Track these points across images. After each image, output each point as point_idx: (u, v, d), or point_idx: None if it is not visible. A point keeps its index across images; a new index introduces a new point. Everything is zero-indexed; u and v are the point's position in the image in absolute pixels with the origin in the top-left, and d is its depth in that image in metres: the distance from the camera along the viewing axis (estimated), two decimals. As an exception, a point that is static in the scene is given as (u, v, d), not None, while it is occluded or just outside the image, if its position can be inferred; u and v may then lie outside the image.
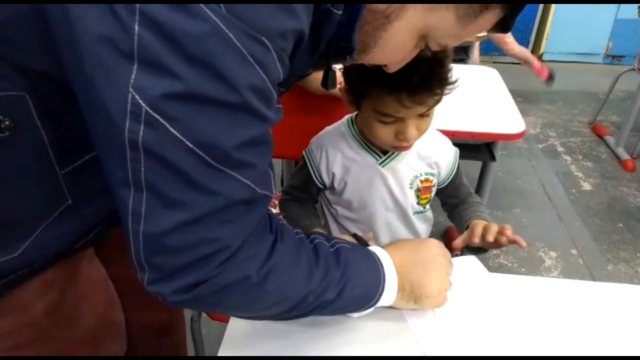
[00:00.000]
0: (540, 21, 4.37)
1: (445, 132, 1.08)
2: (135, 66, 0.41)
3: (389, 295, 0.71)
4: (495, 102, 1.77)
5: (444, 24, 0.54)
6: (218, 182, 0.47)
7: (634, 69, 2.93)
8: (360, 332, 0.75)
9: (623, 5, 4.11)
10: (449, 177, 1.05)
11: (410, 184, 1.02)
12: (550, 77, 3.02)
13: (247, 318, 0.69)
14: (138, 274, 0.52)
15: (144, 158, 0.44)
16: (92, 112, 0.46)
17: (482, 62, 3.20)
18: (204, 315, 1.18)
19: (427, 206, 1.08)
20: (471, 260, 0.92)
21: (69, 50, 0.43)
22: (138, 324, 0.93)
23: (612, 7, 4.18)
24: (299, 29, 0.47)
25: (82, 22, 0.41)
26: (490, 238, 0.89)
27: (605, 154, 3.01)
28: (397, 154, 1.00)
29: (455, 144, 1.07)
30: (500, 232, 0.90)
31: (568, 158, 2.96)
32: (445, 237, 2.07)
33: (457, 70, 0.86)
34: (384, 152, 1.00)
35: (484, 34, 0.59)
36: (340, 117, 1.06)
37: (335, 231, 1.10)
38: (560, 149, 3.07)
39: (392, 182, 1.01)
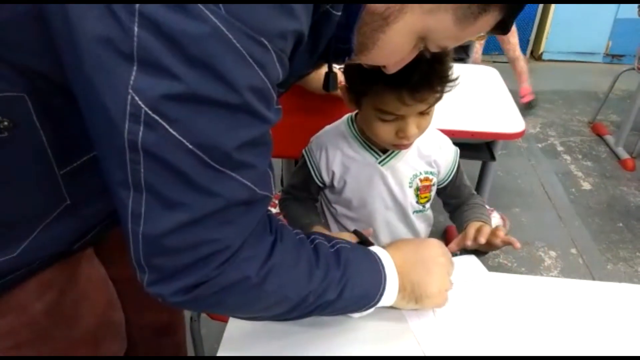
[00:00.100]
0: (540, 21, 4.37)
1: (445, 132, 1.08)
2: (135, 67, 0.41)
3: (390, 295, 0.71)
4: (495, 101, 1.76)
5: (442, 26, 0.54)
6: (218, 183, 0.47)
7: (633, 68, 2.93)
8: (361, 332, 0.75)
9: (623, 5, 4.11)
10: (449, 176, 1.05)
11: (410, 183, 1.02)
12: (530, 105, 3.12)
13: (247, 319, 0.69)
14: (138, 275, 0.52)
15: (144, 159, 0.44)
16: (91, 113, 0.46)
17: (483, 62, 3.21)
18: (203, 315, 1.18)
19: (427, 205, 1.08)
20: (471, 259, 0.92)
21: (69, 51, 0.43)
22: (138, 324, 0.93)
23: (611, 7, 4.18)
24: (299, 29, 0.47)
25: (82, 22, 0.41)
26: (482, 240, 0.89)
27: (605, 154, 3.01)
28: (397, 153, 1.00)
29: (455, 144, 1.07)
30: (493, 234, 0.89)
31: (568, 157, 2.96)
32: (445, 237, 2.07)
33: (457, 70, 0.86)
34: (383, 150, 1.00)
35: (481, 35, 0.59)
36: (340, 117, 1.06)
37: (335, 230, 1.10)
38: (560, 148, 3.07)
39: (392, 180, 1.01)
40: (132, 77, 0.41)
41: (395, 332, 0.76)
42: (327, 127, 1.07)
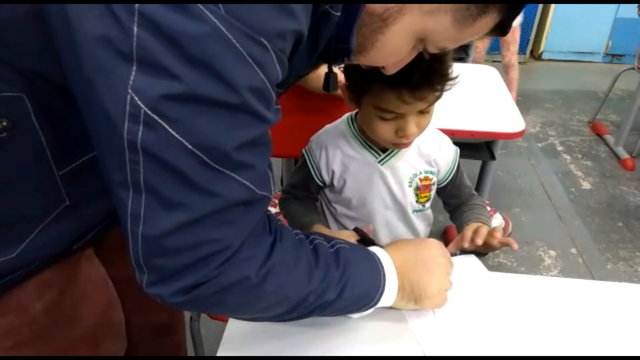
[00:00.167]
0: (540, 20, 4.37)
1: (445, 131, 1.08)
2: (134, 67, 0.41)
3: (390, 295, 0.71)
4: (495, 101, 1.77)
5: (441, 28, 0.54)
6: (217, 183, 0.47)
7: (633, 68, 2.94)
8: (361, 332, 0.75)
9: (623, 5, 4.11)
10: (448, 176, 1.05)
11: (410, 182, 1.02)
12: None
13: (247, 320, 0.69)
14: (137, 275, 0.52)
15: (143, 159, 0.44)
16: (91, 113, 0.46)
17: (484, 61, 3.22)
18: (203, 315, 1.18)
19: (427, 205, 1.08)
20: (471, 259, 0.92)
21: (68, 51, 0.43)
22: (138, 323, 0.93)
23: (611, 6, 4.18)
24: (298, 29, 0.47)
25: (82, 22, 0.41)
26: (479, 241, 0.88)
27: (604, 153, 3.01)
28: (397, 152, 1.00)
29: (455, 143, 1.07)
30: (491, 235, 0.89)
31: (567, 157, 2.96)
32: (445, 237, 2.07)
33: (457, 69, 0.86)
34: (383, 150, 1.00)
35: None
36: (340, 116, 1.06)
37: (334, 230, 1.10)
38: (559, 148, 3.07)
39: (391, 180, 1.01)
40: (132, 77, 0.41)
41: (395, 332, 0.76)
42: (327, 127, 1.07)
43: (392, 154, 1.00)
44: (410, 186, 1.03)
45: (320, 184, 1.06)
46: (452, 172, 1.05)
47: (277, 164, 2.04)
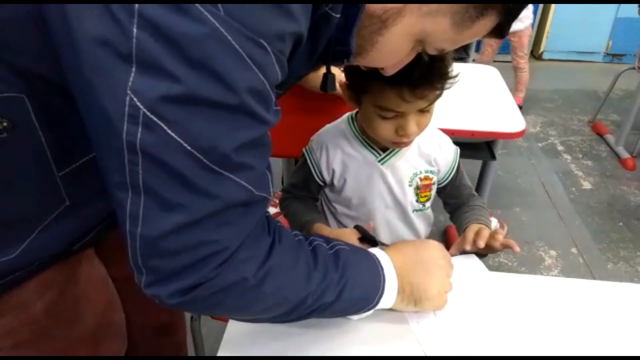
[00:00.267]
0: (540, 20, 4.37)
1: (446, 131, 1.08)
2: (134, 69, 0.41)
3: (389, 297, 0.71)
4: (495, 100, 1.76)
5: (440, 29, 0.54)
6: (216, 185, 0.47)
7: (633, 68, 2.94)
8: (361, 333, 0.75)
9: (623, 4, 4.11)
10: (448, 176, 1.05)
11: (410, 182, 1.02)
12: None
13: (246, 321, 0.69)
14: (135, 276, 0.52)
15: (142, 161, 0.44)
16: (90, 114, 0.46)
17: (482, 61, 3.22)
18: (203, 315, 1.18)
19: (427, 204, 1.08)
20: (471, 259, 0.92)
21: (68, 52, 0.43)
22: (138, 323, 0.93)
23: (612, 6, 4.18)
24: (298, 31, 0.47)
25: (81, 23, 0.41)
26: (481, 244, 0.88)
27: (605, 153, 3.01)
28: (397, 151, 1.00)
29: (455, 143, 1.07)
30: (492, 237, 0.89)
31: (568, 157, 2.96)
32: (445, 237, 2.07)
33: (457, 69, 0.86)
34: (383, 149, 1.00)
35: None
36: (340, 116, 1.06)
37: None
38: (560, 147, 3.07)
39: (392, 179, 1.01)
40: (131, 79, 0.41)
41: (396, 332, 0.75)
42: (328, 126, 1.07)
43: (393, 153, 1.00)
44: (410, 185, 1.03)
45: (320, 183, 1.06)
46: (453, 172, 1.05)
47: (277, 164, 2.04)
